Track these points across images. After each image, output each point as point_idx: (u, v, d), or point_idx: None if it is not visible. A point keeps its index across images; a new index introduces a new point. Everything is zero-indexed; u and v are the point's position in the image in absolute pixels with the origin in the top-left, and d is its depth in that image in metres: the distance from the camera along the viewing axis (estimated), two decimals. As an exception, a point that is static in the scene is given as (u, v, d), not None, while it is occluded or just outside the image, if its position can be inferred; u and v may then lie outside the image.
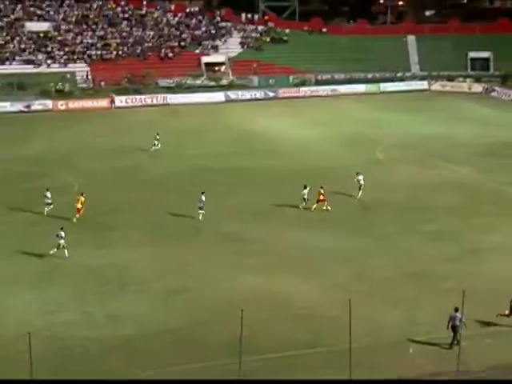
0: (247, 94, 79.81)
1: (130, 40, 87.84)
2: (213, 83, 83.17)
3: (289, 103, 76.73)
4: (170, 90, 79.77)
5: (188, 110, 72.20)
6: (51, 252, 34.29)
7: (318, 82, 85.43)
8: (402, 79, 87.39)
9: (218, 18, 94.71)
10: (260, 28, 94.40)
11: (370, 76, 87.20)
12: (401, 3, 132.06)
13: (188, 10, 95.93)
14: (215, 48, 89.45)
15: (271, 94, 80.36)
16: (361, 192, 43.35)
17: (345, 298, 24.61)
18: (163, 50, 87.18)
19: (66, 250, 34.20)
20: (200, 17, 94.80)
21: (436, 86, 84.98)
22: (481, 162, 51.33)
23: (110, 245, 36.00)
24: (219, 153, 54.34)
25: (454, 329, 26.26)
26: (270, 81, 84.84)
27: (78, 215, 39.37)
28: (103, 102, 74.48)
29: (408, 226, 38.89)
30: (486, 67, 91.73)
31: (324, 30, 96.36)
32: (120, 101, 74.92)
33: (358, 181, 43.48)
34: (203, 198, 39.52)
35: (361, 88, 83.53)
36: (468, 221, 39.56)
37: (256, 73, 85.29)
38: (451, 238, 37.03)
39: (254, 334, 26.35)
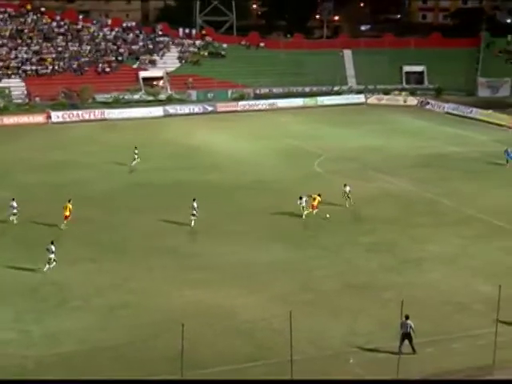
0: (186, 109, 79.65)
1: (66, 55, 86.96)
2: (151, 98, 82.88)
3: (228, 117, 76.87)
4: (107, 104, 79.17)
5: (126, 125, 71.70)
6: (44, 269, 34.01)
7: (257, 96, 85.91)
8: (339, 93, 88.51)
9: (158, 33, 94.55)
10: (198, 42, 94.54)
11: (307, 90, 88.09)
12: (336, 18, 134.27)
13: (125, 25, 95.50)
14: (153, 63, 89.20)
15: (210, 109, 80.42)
16: (349, 201, 44.14)
17: (288, 310, 24.71)
18: (100, 65, 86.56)
19: (51, 265, 34.03)
20: (137, 31, 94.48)
21: (372, 99, 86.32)
22: (417, 174, 52.27)
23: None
24: (159, 167, 54.06)
25: (405, 336, 26.62)
26: (209, 95, 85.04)
27: (65, 222, 39.96)
28: (39, 118, 73.40)
29: (349, 237, 39.32)
30: (420, 81, 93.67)
31: (262, 44, 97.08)
32: (56, 116, 73.94)
33: (345, 192, 44.23)
34: (195, 204, 40.41)
35: (299, 102, 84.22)
36: (406, 232, 40.20)
37: (192, 88, 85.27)
38: (390, 249, 37.56)
39: (197, 348, 26.26)
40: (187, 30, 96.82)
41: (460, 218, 42.67)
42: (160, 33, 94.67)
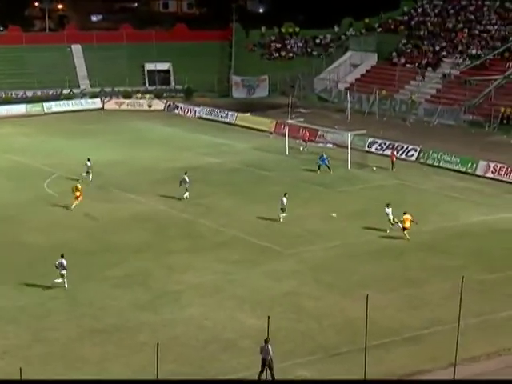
0: None
1: None
2: None
3: None
4: None
5: None
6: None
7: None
8: (69, 97, 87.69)
9: None
10: None
11: (30, 94, 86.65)
12: (60, 7, 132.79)
13: None
14: None
15: None
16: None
17: (17, 366, 23.83)
18: None
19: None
20: None
21: (111, 104, 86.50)
22: (168, 190, 52.81)
23: None
24: None
25: (265, 362, 27.07)
26: None
27: (77, 202, 47.66)
28: None
29: (92, 272, 38.77)
30: (166, 81, 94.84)
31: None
32: None
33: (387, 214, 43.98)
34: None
35: (20, 109, 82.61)
36: (160, 261, 40.42)
37: None
38: (143, 283, 37.56)
39: None
40: None
41: (221, 240, 43.67)
42: None
